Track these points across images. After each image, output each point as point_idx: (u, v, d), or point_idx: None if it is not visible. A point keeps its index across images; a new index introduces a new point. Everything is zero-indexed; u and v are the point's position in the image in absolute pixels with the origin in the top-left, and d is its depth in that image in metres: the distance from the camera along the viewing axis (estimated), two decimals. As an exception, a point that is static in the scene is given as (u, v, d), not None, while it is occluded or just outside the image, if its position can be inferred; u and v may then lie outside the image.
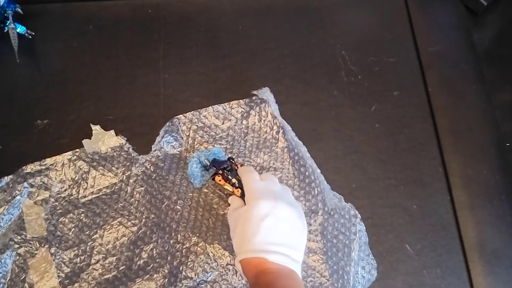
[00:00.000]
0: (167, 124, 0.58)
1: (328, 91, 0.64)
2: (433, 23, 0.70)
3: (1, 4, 0.60)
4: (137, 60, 0.65)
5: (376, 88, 0.64)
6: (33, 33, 0.64)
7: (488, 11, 0.72)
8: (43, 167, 0.56)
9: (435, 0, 0.72)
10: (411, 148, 0.61)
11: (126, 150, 0.57)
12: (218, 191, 0.55)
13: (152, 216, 0.54)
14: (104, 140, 0.58)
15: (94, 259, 0.52)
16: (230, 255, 0.52)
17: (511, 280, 0.54)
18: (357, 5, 0.71)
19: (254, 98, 0.61)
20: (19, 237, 0.52)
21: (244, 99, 0.61)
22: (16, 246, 0.52)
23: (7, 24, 0.61)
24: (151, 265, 0.51)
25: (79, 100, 0.62)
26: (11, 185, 0.54)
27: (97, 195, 0.55)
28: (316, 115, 0.62)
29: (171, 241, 0.52)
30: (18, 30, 0.62)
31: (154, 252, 0.52)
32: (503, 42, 0.72)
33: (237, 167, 0.54)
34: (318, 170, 0.58)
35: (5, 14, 0.61)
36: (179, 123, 0.59)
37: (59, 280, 0.50)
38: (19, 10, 0.63)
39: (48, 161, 0.56)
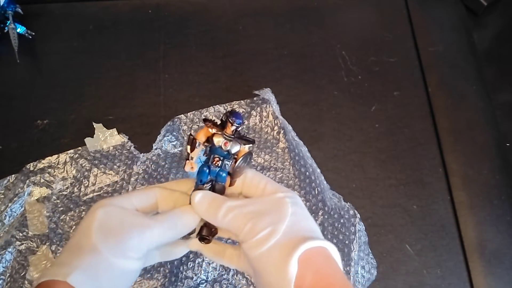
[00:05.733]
0: (168, 123, 0.58)
1: (328, 91, 0.64)
2: (433, 23, 0.70)
3: (1, 4, 0.60)
4: (137, 60, 0.65)
5: (376, 88, 0.65)
6: (33, 33, 0.64)
7: (488, 11, 0.73)
8: (46, 165, 0.56)
9: (435, 0, 0.72)
10: (411, 148, 0.61)
11: (128, 148, 0.57)
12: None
13: (153, 216, 0.54)
14: (106, 138, 0.58)
15: (94, 259, 0.52)
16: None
17: (511, 280, 0.54)
18: (357, 5, 0.71)
19: (255, 98, 0.61)
20: (21, 234, 0.52)
21: (245, 100, 0.61)
22: (18, 243, 0.52)
23: (7, 24, 0.61)
24: (152, 264, 0.51)
25: (79, 100, 0.62)
26: (15, 183, 0.54)
27: (99, 193, 0.55)
28: (316, 115, 0.62)
29: (172, 241, 0.52)
30: (18, 30, 0.62)
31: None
32: (503, 42, 0.72)
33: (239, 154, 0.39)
34: (318, 170, 0.58)
35: (5, 14, 0.61)
36: (180, 123, 0.59)
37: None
38: (19, 10, 0.62)
39: (51, 159, 0.56)
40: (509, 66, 0.70)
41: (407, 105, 0.64)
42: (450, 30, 0.70)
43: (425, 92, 0.65)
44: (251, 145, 0.40)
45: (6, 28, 0.61)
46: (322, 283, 0.33)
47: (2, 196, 0.54)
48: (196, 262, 0.51)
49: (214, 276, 0.51)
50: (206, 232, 0.38)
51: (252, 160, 0.40)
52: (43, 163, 0.56)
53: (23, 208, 0.54)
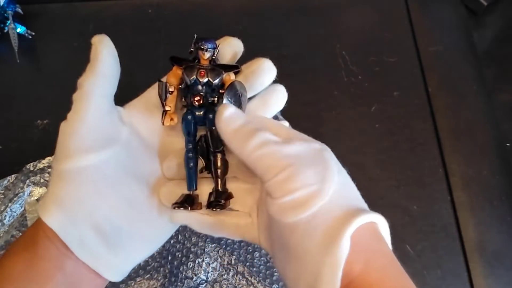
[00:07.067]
0: (168, 124, 0.58)
1: (328, 91, 0.64)
2: (433, 23, 0.70)
3: (1, 4, 0.60)
4: (137, 60, 0.65)
5: (376, 88, 0.64)
6: (33, 33, 0.64)
7: (488, 11, 0.72)
8: (46, 165, 0.56)
9: (435, 0, 0.72)
10: (411, 149, 0.61)
11: (127, 150, 0.57)
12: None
13: (152, 216, 0.54)
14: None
15: (94, 259, 0.52)
16: (231, 255, 0.52)
17: (511, 281, 0.54)
18: (357, 5, 0.71)
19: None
20: (20, 234, 0.52)
21: (244, 99, 0.61)
22: (17, 244, 0.52)
23: (7, 24, 0.61)
24: (152, 264, 0.51)
25: (79, 100, 0.61)
26: (15, 183, 0.54)
27: (98, 194, 0.55)
28: (316, 115, 0.62)
29: (172, 241, 0.52)
30: (18, 30, 0.62)
31: (155, 252, 0.52)
32: (503, 42, 0.72)
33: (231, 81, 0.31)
34: (318, 170, 0.58)
35: (5, 14, 0.61)
36: (179, 123, 0.59)
37: (59, 280, 0.51)
38: (19, 10, 0.62)
39: (51, 159, 0.56)
40: (509, 66, 0.70)
41: (407, 105, 0.64)
42: (450, 30, 0.70)
43: (425, 92, 0.65)
44: (237, 71, 0.31)
45: (6, 28, 0.61)
46: (375, 275, 0.25)
47: (2, 196, 0.54)
48: (196, 262, 0.51)
49: (214, 276, 0.51)
50: (217, 196, 0.29)
51: (247, 95, 0.31)
52: (43, 163, 0.56)
53: (23, 208, 0.54)
